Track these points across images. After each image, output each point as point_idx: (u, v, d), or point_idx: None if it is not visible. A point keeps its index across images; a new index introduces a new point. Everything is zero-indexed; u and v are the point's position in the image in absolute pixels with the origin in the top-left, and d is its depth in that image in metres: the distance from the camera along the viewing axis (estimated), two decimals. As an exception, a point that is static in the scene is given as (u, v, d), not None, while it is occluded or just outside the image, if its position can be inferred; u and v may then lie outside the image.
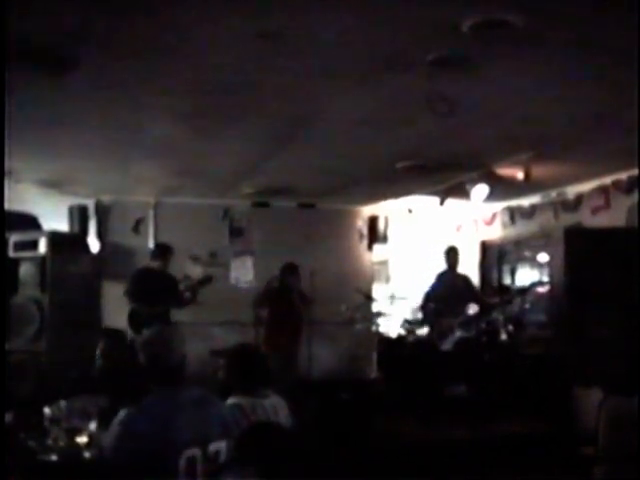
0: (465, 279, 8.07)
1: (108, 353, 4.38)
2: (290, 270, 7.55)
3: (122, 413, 2.72)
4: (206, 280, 7.31)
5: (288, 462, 3.04)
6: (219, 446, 2.76)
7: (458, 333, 7.39)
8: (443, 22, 3.30)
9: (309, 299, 7.66)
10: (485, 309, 7.58)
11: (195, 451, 2.66)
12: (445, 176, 7.04)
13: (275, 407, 3.60)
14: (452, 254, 7.97)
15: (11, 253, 7.22)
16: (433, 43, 3.59)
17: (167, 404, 2.72)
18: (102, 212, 8.49)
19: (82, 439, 3.26)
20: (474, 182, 6.83)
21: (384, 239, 9.56)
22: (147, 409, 2.72)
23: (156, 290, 7.01)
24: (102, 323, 7.83)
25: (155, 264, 7.24)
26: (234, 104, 4.72)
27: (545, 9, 3.18)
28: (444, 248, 8.20)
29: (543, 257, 8.17)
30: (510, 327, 7.50)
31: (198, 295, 7.27)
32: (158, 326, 3.77)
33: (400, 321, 8.77)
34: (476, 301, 7.77)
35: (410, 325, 8.44)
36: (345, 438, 5.38)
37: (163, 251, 7.31)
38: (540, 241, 8.19)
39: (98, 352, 4.45)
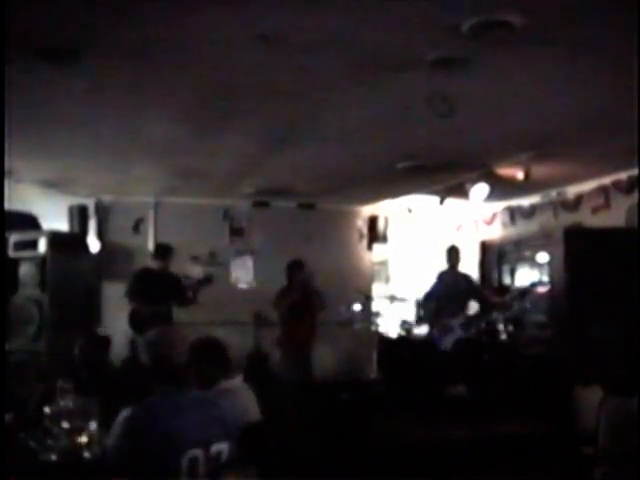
0: (466, 278, 8.07)
1: (85, 354, 4.35)
2: (297, 266, 7.37)
3: (124, 412, 2.72)
4: (206, 280, 7.31)
5: (288, 462, 3.03)
6: (221, 447, 2.75)
7: (458, 333, 7.39)
8: (443, 22, 3.31)
9: (322, 295, 7.41)
10: (487, 307, 7.58)
11: (197, 452, 2.66)
12: (445, 176, 7.04)
13: (244, 387, 3.69)
14: (453, 253, 7.96)
15: (11, 253, 7.22)
16: (433, 43, 3.59)
17: (169, 404, 2.72)
18: (102, 212, 8.50)
19: (82, 439, 3.25)
20: (474, 182, 6.84)
21: (384, 239, 9.56)
22: (150, 409, 2.72)
23: (157, 290, 7.01)
24: (102, 323, 7.84)
25: (155, 264, 7.25)
26: (234, 104, 4.72)
27: (545, 9, 3.18)
28: (445, 247, 8.19)
29: (543, 257, 8.17)
30: (510, 327, 7.50)
31: (199, 295, 7.29)
32: (162, 326, 3.78)
33: (399, 321, 8.77)
34: (479, 299, 7.76)
35: (408, 325, 8.44)
36: (345, 438, 5.38)
37: (163, 251, 7.32)
38: (540, 241, 8.19)
39: (76, 353, 4.40)
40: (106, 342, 4.86)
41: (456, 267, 7.94)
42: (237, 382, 3.68)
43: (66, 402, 3.33)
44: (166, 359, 2.81)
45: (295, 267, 7.39)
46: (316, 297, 7.31)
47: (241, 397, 3.55)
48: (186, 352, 2.90)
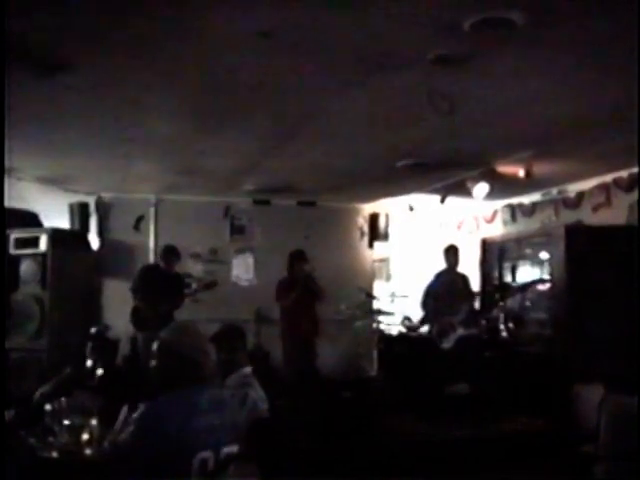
0: (464, 278, 8.06)
1: (96, 357, 4.38)
2: (298, 257, 7.31)
3: (140, 410, 2.69)
4: (211, 284, 7.44)
5: (289, 460, 3.03)
6: (231, 449, 2.73)
7: (459, 331, 7.39)
8: (444, 20, 3.30)
9: (320, 285, 7.38)
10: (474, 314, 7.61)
11: (208, 454, 2.63)
12: (446, 174, 7.04)
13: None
14: (452, 253, 7.96)
15: (12, 250, 7.23)
16: (434, 41, 3.58)
17: (185, 405, 2.67)
18: (103, 209, 8.49)
19: (83, 436, 3.26)
20: (475, 180, 6.83)
21: (385, 237, 9.56)
22: (164, 409, 2.66)
23: (160, 289, 7.03)
24: (102, 320, 7.84)
25: (162, 264, 7.34)
26: (235, 102, 4.71)
27: (546, 8, 3.18)
28: (444, 246, 8.19)
29: (544, 255, 8.16)
30: (511, 325, 7.50)
31: (199, 295, 7.41)
32: (179, 323, 3.81)
33: (400, 319, 8.77)
34: (469, 304, 7.78)
35: (410, 322, 8.43)
36: (346, 436, 5.38)
37: (165, 253, 7.38)
38: (541, 239, 8.16)
39: (87, 354, 4.43)
40: (115, 346, 4.94)
41: (454, 267, 7.93)
42: (249, 370, 3.76)
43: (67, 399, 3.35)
44: (185, 356, 2.76)
45: (296, 257, 7.33)
46: (315, 287, 7.29)
47: (257, 388, 3.62)
48: (204, 347, 2.87)
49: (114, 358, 4.84)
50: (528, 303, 7.90)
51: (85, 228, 8.13)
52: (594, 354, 5.94)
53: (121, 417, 3.20)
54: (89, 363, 4.27)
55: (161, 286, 7.06)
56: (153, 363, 2.82)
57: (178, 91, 4.47)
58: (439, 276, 7.96)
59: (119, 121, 5.17)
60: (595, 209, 7.23)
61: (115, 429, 3.14)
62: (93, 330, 5.87)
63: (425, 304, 7.89)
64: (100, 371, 4.18)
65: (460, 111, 4.68)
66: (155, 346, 2.83)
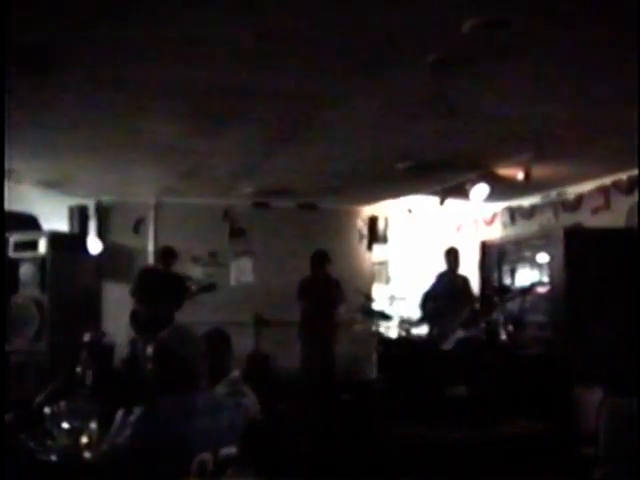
0: (464, 280, 8.07)
1: (91, 364, 4.37)
2: (319, 257, 7.57)
3: (137, 412, 2.69)
4: (210, 287, 7.44)
5: (288, 462, 3.03)
6: (229, 450, 2.73)
7: (458, 333, 7.39)
8: (444, 22, 3.30)
9: (342, 287, 7.65)
10: (474, 316, 7.63)
11: (206, 455, 2.63)
12: (445, 176, 7.04)
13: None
14: (452, 255, 7.98)
15: (11, 253, 7.22)
16: (434, 43, 3.59)
17: (183, 408, 2.67)
18: (102, 212, 8.50)
19: (82, 439, 3.25)
20: (474, 182, 6.84)
21: (384, 239, 9.57)
22: (162, 411, 2.67)
23: (159, 291, 7.03)
24: (102, 323, 7.84)
25: (159, 265, 7.35)
26: (234, 104, 4.72)
27: (545, 9, 3.18)
28: (444, 249, 8.20)
29: (543, 257, 8.16)
30: (510, 327, 7.50)
31: (198, 298, 7.41)
32: (175, 326, 3.81)
33: (398, 321, 8.77)
34: (469, 306, 7.79)
35: (407, 325, 8.43)
36: (345, 438, 5.38)
37: (163, 254, 7.39)
38: (540, 241, 8.18)
39: (81, 359, 4.41)
40: (110, 350, 4.92)
41: (455, 269, 7.95)
42: (237, 374, 3.76)
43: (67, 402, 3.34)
44: (182, 358, 2.76)
45: (319, 258, 7.47)
46: (338, 293, 7.46)
47: (249, 394, 3.61)
48: (200, 349, 2.86)
49: (110, 364, 4.82)
50: (527, 305, 7.91)
51: (84, 231, 8.13)
52: (594, 356, 5.94)
53: (117, 420, 3.19)
54: (83, 370, 4.25)
55: (160, 288, 7.06)
56: (150, 365, 2.82)
57: (177, 93, 4.47)
58: (440, 278, 7.97)
59: (118, 124, 5.17)
60: (594, 212, 7.22)
61: (111, 432, 3.14)
62: (87, 337, 5.85)
63: (424, 306, 7.90)
64: (93, 378, 4.16)
65: (459, 113, 4.68)
66: (151, 348, 2.83)
